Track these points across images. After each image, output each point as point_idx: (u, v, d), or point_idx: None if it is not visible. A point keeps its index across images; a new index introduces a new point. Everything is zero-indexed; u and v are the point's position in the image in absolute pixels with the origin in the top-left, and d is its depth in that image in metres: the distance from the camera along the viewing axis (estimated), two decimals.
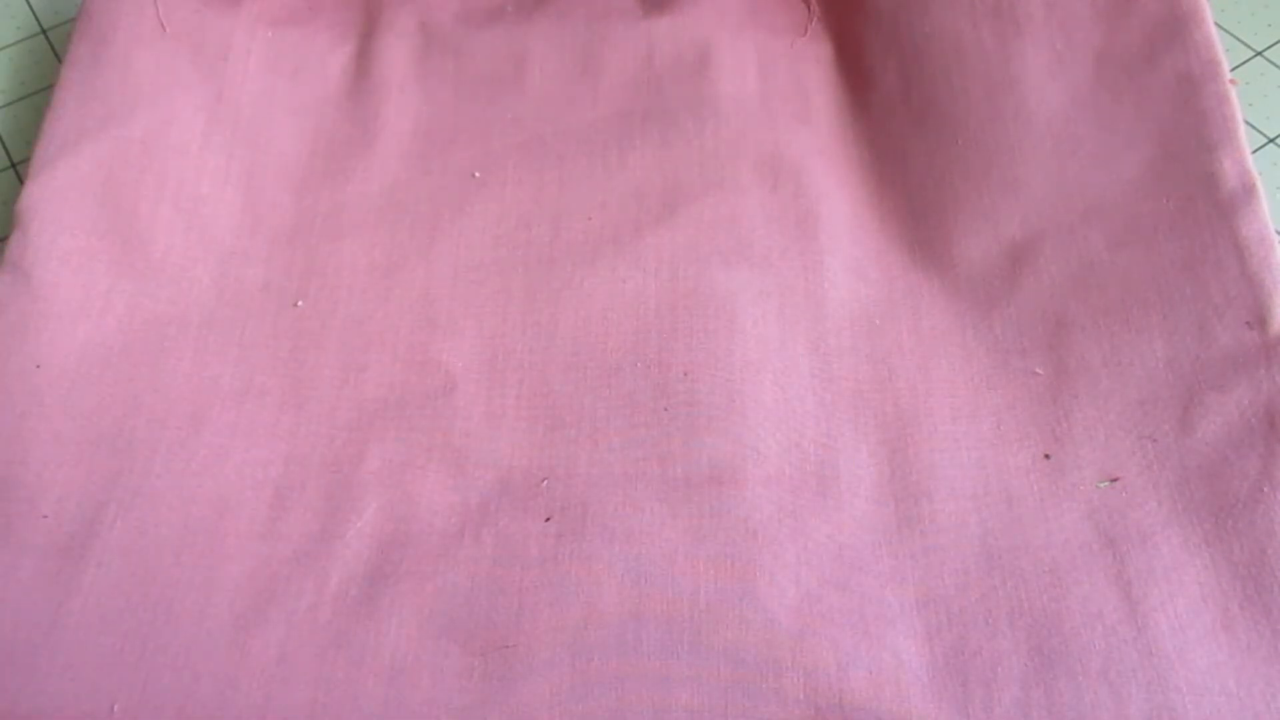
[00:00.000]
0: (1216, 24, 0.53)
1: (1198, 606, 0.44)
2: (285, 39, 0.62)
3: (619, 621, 0.45)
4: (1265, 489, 0.45)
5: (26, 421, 0.49)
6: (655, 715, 0.43)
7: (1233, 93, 0.53)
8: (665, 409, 0.50)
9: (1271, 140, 0.62)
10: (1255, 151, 0.61)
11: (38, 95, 0.69)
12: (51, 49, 0.71)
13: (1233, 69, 0.66)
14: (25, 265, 0.53)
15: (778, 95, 0.60)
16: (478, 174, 0.57)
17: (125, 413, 0.50)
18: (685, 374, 0.50)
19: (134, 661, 0.44)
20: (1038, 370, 0.50)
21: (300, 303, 0.54)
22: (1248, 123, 0.63)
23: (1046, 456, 0.48)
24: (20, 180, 0.65)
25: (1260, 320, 0.48)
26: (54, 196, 0.55)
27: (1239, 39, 0.68)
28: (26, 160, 0.60)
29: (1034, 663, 0.43)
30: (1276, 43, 0.67)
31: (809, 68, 0.62)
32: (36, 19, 0.73)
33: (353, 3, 0.64)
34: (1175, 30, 0.56)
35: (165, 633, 0.45)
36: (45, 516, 0.47)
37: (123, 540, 0.47)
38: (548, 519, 0.48)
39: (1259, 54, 0.67)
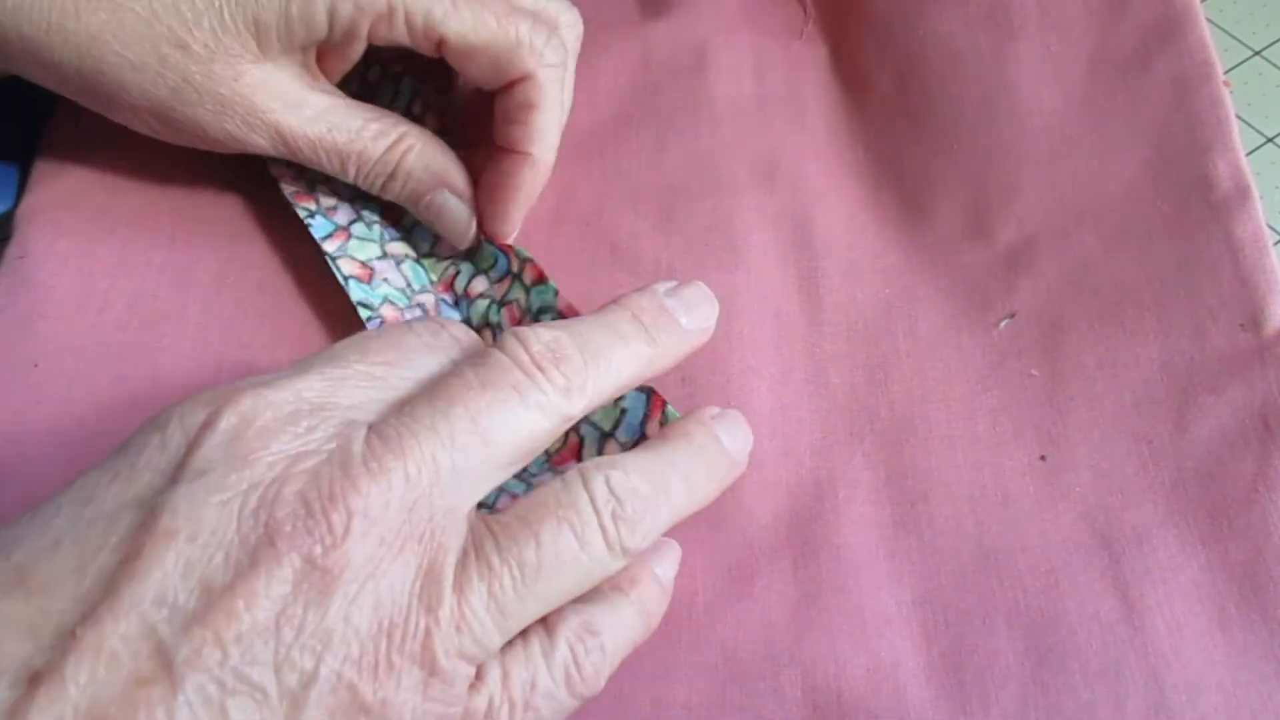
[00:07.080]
0: (1215, 23, 0.53)
1: (1194, 607, 0.44)
2: None
3: None
4: (1260, 490, 0.45)
5: (24, 419, 0.49)
6: (652, 711, 0.43)
7: (1226, 94, 0.53)
8: None
9: (1270, 139, 0.62)
10: (1253, 151, 0.61)
11: None
12: None
13: (1231, 68, 0.66)
14: (25, 266, 0.53)
15: (774, 98, 0.60)
16: None
17: (123, 413, 0.50)
18: (683, 379, 0.51)
19: None
20: (1033, 372, 0.50)
21: (300, 303, 0.54)
22: (1246, 122, 0.63)
23: (1042, 458, 0.48)
24: None
25: (1254, 322, 0.48)
26: (54, 198, 0.55)
27: (1237, 38, 0.68)
28: None
29: (1031, 662, 0.43)
30: (1275, 42, 0.67)
31: (805, 71, 0.62)
32: None
33: None
34: (1169, 32, 0.56)
35: None
36: None
37: None
38: None
39: (1257, 53, 0.67)
